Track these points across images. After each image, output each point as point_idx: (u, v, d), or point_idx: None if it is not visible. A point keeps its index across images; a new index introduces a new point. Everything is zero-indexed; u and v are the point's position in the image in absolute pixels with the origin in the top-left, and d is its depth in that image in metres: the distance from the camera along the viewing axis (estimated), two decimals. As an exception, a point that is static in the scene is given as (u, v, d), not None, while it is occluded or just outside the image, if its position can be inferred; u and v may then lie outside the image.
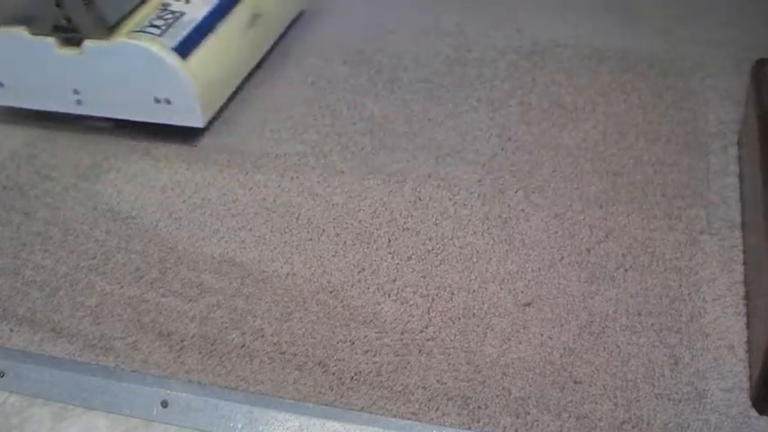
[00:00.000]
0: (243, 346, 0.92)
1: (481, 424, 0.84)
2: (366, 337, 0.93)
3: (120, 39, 1.16)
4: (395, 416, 0.85)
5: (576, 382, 0.87)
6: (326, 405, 0.86)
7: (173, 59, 1.14)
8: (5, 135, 1.26)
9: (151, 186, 1.15)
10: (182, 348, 0.93)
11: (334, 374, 0.89)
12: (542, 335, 0.92)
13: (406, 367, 0.89)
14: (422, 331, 0.93)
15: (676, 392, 0.85)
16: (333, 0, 1.54)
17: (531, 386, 0.87)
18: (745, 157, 1.10)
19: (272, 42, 1.39)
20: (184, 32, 1.19)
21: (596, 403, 0.85)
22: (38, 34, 1.18)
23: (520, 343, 0.91)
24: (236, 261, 1.03)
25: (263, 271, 1.01)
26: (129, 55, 1.15)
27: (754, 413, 0.83)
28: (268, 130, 1.24)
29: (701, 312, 0.93)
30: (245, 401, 0.87)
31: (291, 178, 1.14)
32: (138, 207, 1.12)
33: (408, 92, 1.29)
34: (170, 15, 1.21)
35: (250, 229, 1.07)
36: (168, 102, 1.17)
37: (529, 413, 0.84)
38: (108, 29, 1.17)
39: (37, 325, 0.96)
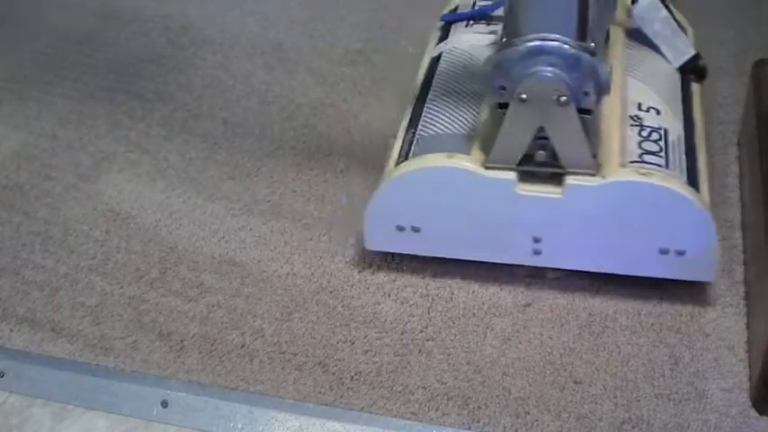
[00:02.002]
0: (243, 346, 0.92)
1: (481, 424, 0.84)
2: (366, 337, 0.93)
3: (625, 177, 0.87)
4: (395, 416, 0.85)
5: (576, 382, 0.87)
6: (326, 405, 0.86)
7: (699, 201, 0.88)
8: (5, 135, 1.26)
9: (151, 186, 1.15)
10: (182, 348, 0.93)
11: (334, 374, 0.89)
12: (542, 335, 0.92)
13: (406, 367, 0.89)
14: (422, 331, 0.93)
15: (676, 392, 0.85)
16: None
17: (531, 386, 0.87)
18: (745, 157, 1.10)
19: None
20: (683, 158, 0.92)
21: (596, 403, 0.85)
22: (496, 165, 0.89)
23: (520, 343, 0.91)
24: (237, 261, 1.03)
25: (263, 271, 1.01)
26: (638, 198, 0.87)
27: (754, 413, 0.83)
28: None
29: (700, 312, 0.93)
30: (245, 401, 0.87)
31: (291, 178, 1.14)
32: (138, 207, 1.12)
33: (409, 92, 1.29)
34: (655, 135, 0.93)
35: (250, 229, 1.07)
36: (681, 253, 0.89)
37: (529, 413, 0.84)
38: (596, 160, 0.88)
39: (37, 325, 0.96)
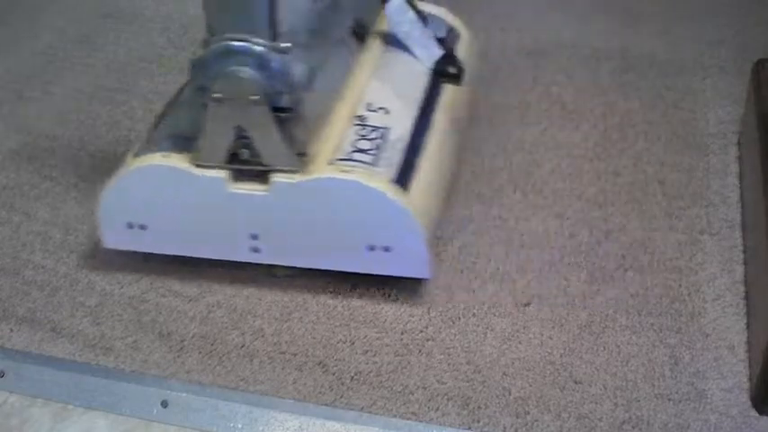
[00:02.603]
0: (243, 346, 0.92)
1: (481, 424, 0.84)
2: (366, 337, 0.93)
3: (326, 173, 0.89)
4: (395, 416, 0.85)
5: (576, 382, 0.87)
6: (326, 405, 0.86)
7: (397, 197, 0.89)
8: (5, 135, 1.26)
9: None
10: (182, 348, 0.93)
11: (334, 374, 0.89)
12: (542, 335, 0.92)
13: (406, 367, 0.89)
14: (422, 331, 0.93)
15: (676, 392, 0.85)
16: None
17: (531, 386, 0.87)
18: (745, 157, 1.10)
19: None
20: (396, 156, 0.93)
21: (596, 403, 0.85)
22: (206, 164, 0.90)
23: (520, 343, 0.91)
24: (236, 261, 1.02)
25: (264, 270, 1.01)
26: (340, 194, 0.89)
27: (754, 413, 0.83)
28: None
29: (701, 312, 0.93)
30: (245, 401, 0.87)
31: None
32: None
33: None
34: (374, 133, 0.95)
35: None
36: (387, 249, 0.91)
37: (529, 413, 0.84)
38: (299, 157, 0.89)
39: (37, 325, 0.96)
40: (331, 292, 0.98)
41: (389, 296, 0.97)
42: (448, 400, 0.86)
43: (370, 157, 0.91)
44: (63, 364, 0.92)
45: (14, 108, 1.32)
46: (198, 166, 0.90)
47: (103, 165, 1.19)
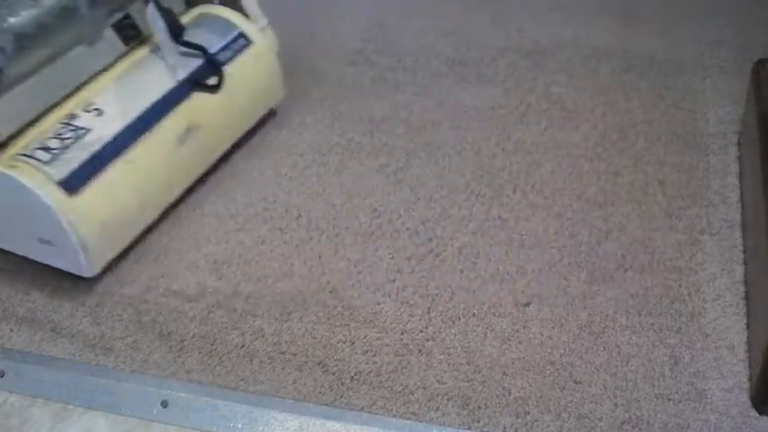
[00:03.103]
0: (243, 346, 0.92)
1: (481, 424, 0.84)
2: (366, 337, 0.93)
3: None
4: (395, 416, 0.85)
5: (576, 382, 0.87)
6: (326, 405, 0.86)
7: (55, 197, 0.93)
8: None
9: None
10: (182, 348, 0.93)
11: (334, 374, 0.89)
12: (542, 335, 0.92)
13: (406, 367, 0.89)
14: (422, 331, 0.93)
15: (676, 392, 0.85)
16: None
17: (531, 386, 0.87)
18: (745, 157, 1.10)
19: (216, 157, 1.15)
20: (81, 157, 0.97)
21: (596, 403, 0.85)
22: None
23: (520, 343, 0.91)
24: (236, 261, 1.03)
25: (264, 271, 1.01)
26: (5, 187, 0.94)
27: (754, 413, 0.83)
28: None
29: (700, 312, 0.93)
30: (245, 401, 0.87)
31: (291, 178, 1.14)
32: (138, 207, 1.12)
33: (408, 92, 1.29)
34: (71, 133, 0.98)
35: (249, 229, 1.07)
36: (50, 244, 0.97)
37: (529, 413, 0.84)
38: None
39: (37, 325, 0.96)
40: (330, 293, 0.98)
41: (389, 296, 0.97)
42: (448, 400, 0.86)
43: (49, 155, 0.96)
44: (63, 364, 0.92)
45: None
46: None
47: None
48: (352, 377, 0.88)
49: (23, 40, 0.97)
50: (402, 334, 0.93)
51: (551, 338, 0.91)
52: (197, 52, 1.10)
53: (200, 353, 0.92)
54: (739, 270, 0.98)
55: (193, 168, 1.11)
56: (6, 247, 1.01)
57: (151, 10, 1.07)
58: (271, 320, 0.95)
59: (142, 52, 1.11)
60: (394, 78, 1.32)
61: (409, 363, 0.90)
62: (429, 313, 0.95)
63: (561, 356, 0.89)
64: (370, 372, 0.89)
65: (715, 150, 1.16)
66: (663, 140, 1.18)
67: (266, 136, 1.22)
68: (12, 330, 0.96)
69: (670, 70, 1.32)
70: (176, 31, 1.09)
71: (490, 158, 1.16)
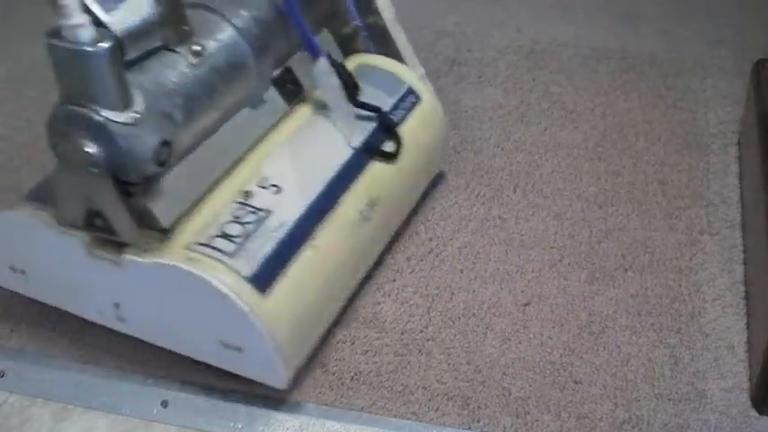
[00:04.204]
0: (243, 346, 0.92)
1: (481, 424, 0.84)
2: (366, 337, 0.93)
3: (172, 260, 0.80)
4: (395, 416, 0.85)
5: (576, 382, 0.87)
6: (326, 405, 0.86)
7: (247, 298, 0.78)
8: (5, 135, 1.26)
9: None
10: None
11: (334, 374, 0.89)
12: (542, 335, 0.92)
13: (406, 367, 0.89)
14: (422, 331, 0.93)
15: (676, 392, 0.85)
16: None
17: (531, 386, 0.87)
18: (745, 157, 1.10)
19: (392, 233, 1.01)
20: (268, 247, 0.82)
21: (596, 403, 0.85)
22: (67, 225, 0.84)
23: (520, 343, 0.91)
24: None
25: (263, 271, 1.01)
26: (184, 284, 0.80)
27: (754, 413, 0.83)
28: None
29: (700, 312, 0.93)
30: (245, 401, 0.87)
31: (291, 178, 1.14)
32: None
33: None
34: (251, 216, 0.84)
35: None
36: (239, 350, 0.82)
37: (529, 413, 0.84)
38: (159, 235, 0.82)
39: (37, 325, 0.96)
40: (331, 292, 0.98)
41: (389, 295, 0.97)
42: (448, 400, 0.86)
43: (233, 246, 0.81)
44: (63, 364, 0.92)
45: (15, 108, 1.32)
46: (61, 224, 0.84)
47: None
48: (352, 377, 0.88)
49: (191, 104, 0.83)
50: (402, 334, 0.93)
51: (551, 338, 0.91)
52: (370, 114, 0.96)
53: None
54: (739, 270, 0.98)
55: (376, 248, 0.98)
56: (179, 350, 0.87)
57: (323, 65, 0.92)
58: (271, 320, 0.95)
59: (306, 112, 0.97)
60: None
61: (409, 363, 0.90)
62: (429, 313, 0.95)
63: (561, 356, 0.89)
64: (370, 372, 0.89)
65: (715, 150, 1.16)
66: (663, 140, 1.18)
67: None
68: (12, 330, 0.96)
69: (670, 70, 1.32)
70: (352, 90, 0.95)
71: (490, 158, 1.16)
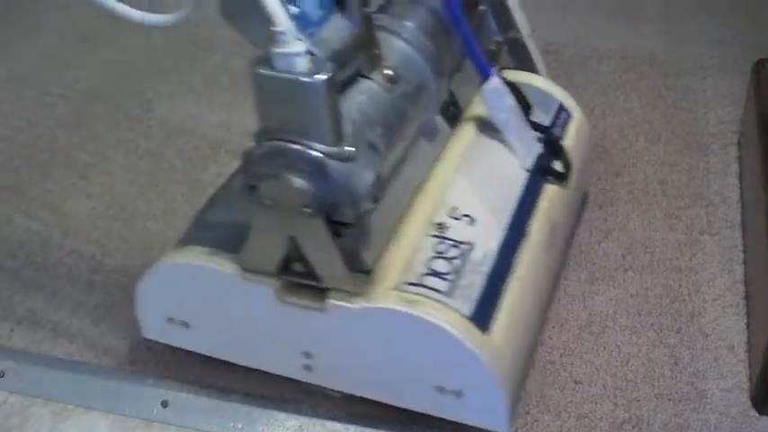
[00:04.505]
0: (243, 346, 0.92)
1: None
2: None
3: (388, 303, 0.74)
4: (395, 416, 0.84)
5: (575, 382, 0.87)
6: (326, 405, 0.86)
7: (473, 339, 0.73)
8: (5, 135, 1.26)
9: (151, 186, 1.15)
10: (182, 348, 0.92)
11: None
12: (542, 335, 0.92)
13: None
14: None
15: (676, 392, 0.85)
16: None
17: (530, 386, 0.87)
18: (745, 157, 1.10)
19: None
20: (479, 282, 0.77)
21: (596, 403, 0.85)
22: (254, 271, 0.77)
23: (520, 343, 0.91)
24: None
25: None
26: (403, 328, 0.74)
27: (754, 413, 0.83)
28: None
29: (700, 312, 0.93)
30: (245, 401, 0.87)
31: (291, 178, 1.14)
32: (138, 207, 1.12)
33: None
34: (455, 250, 0.78)
35: (250, 229, 1.07)
36: (458, 395, 0.75)
37: (529, 413, 0.84)
38: (362, 276, 0.75)
39: (37, 325, 0.96)
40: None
41: (389, 296, 0.97)
42: (448, 400, 0.86)
43: (446, 283, 0.75)
44: (63, 364, 0.92)
45: (14, 108, 1.32)
46: (246, 270, 0.77)
47: (103, 164, 1.19)
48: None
49: (390, 133, 0.77)
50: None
51: (551, 338, 0.91)
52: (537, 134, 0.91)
53: (200, 353, 0.92)
54: (739, 270, 0.98)
55: (557, 275, 0.94)
56: (377, 397, 0.81)
57: (496, 84, 0.87)
58: (271, 320, 0.95)
59: (470, 135, 0.91)
60: (394, 78, 1.32)
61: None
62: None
63: (561, 356, 0.89)
64: (371, 372, 0.89)
65: (715, 150, 1.16)
66: (663, 140, 1.18)
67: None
68: (12, 330, 0.96)
69: (670, 70, 1.32)
70: (526, 110, 0.90)
71: (490, 158, 1.16)
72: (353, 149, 0.70)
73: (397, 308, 0.73)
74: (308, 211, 0.70)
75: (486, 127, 0.91)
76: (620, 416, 0.83)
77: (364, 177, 0.71)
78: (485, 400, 0.75)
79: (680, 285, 0.97)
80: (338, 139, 0.69)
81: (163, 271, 0.82)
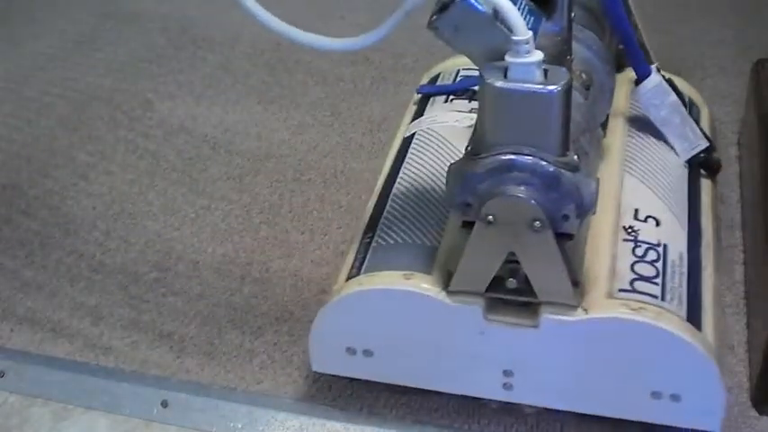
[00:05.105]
0: (243, 346, 0.92)
1: (481, 424, 0.83)
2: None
3: (610, 312, 0.73)
4: (395, 416, 0.84)
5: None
6: (326, 405, 0.86)
7: (699, 341, 0.73)
8: (5, 135, 1.26)
9: (151, 186, 1.15)
10: (182, 348, 0.93)
11: (334, 374, 0.89)
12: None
13: (406, 367, 0.89)
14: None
15: (676, 392, 0.85)
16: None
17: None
18: (744, 157, 1.10)
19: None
20: (683, 283, 0.77)
21: (596, 403, 0.84)
22: (462, 291, 0.74)
23: (520, 343, 0.91)
24: (237, 261, 1.03)
25: (264, 271, 1.01)
26: (628, 336, 0.73)
27: (754, 413, 0.83)
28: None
29: (701, 312, 0.93)
30: (245, 401, 0.87)
31: (292, 179, 1.14)
32: (138, 207, 1.12)
33: (408, 92, 1.29)
34: (653, 253, 0.78)
35: (251, 230, 1.07)
36: (676, 398, 0.74)
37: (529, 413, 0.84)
38: (577, 289, 0.73)
39: (37, 325, 0.96)
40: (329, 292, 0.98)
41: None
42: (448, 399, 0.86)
43: (657, 287, 0.75)
44: (63, 364, 0.92)
45: (14, 108, 1.32)
46: (449, 291, 0.75)
47: (103, 164, 1.19)
48: (353, 377, 0.88)
49: (591, 139, 0.78)
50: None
51: (551, 338, 0.91)
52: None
53: (200, 353, 0.92)
54: (739, 270, 0.98)
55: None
56: (579, 408, 0.79)
57: (657, 82, 0.88)
58: (271, 320, 0.95)
59: (619, 133, 0.92)
60: (394, 78, 1.32)
61: (409, 363, 0.89)
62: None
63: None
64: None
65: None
66: (663, 140, 1.18)
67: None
68: (12, 330, 0.96)
69: (670, 70, 1.32)
70: (686, 106, 0.90)
71: (490, 158, 1.16)
72: (577, 157, 0.68)
73: (622, 316, 0.72)
74: (537, 225, 0.68)
75: (635, 124, 0.92)
76: (620, 416, 0.83)
77: (589, 187, 0.69)
78: (705, 402, 0.74)
79: (680, 285, 0.96)
80: (566, 148, 0.67)
81: (349, 300, 0.79)
